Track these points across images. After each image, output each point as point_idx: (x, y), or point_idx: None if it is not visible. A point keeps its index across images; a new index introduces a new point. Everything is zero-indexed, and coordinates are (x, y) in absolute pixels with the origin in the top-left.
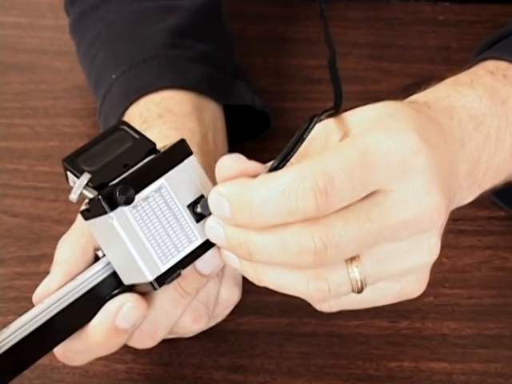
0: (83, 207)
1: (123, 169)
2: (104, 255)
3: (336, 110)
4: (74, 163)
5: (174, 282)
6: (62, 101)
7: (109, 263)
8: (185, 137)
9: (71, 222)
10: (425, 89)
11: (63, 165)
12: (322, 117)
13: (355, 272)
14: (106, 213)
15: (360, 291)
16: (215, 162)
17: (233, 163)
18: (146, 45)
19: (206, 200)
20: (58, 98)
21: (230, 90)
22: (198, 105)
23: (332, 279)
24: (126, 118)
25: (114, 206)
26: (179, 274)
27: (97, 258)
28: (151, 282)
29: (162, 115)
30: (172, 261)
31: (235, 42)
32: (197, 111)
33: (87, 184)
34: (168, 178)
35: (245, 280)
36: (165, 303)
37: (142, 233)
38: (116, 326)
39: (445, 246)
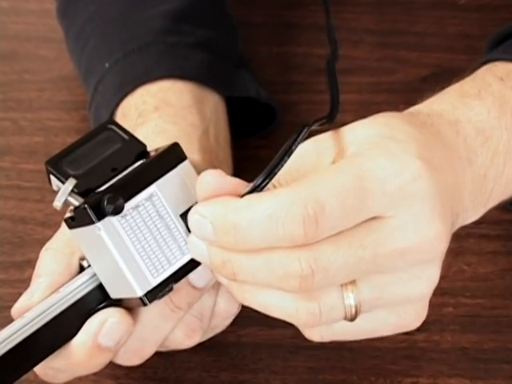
0: (68, 214)
1: (111, 173)
2: (89, 266)
3: (329, 120)
4: (57, 166)
5: (165, 297)
6: (47, 92)
7: (95, 275)
8: (184, 131)
9: (58, 224)
10: (432, 95)
11: (46, 168)
12: (312, 127)
13: (350, 297)
14: (92, 223)
15: (353, 318)
16: (217, 159)
17: (214, 179)
18: (141, 30)
19: None
20: (43, 89)
21: (234, 81)
22: (199, 96)
23: (324, 301)
24: (119, 111)
25: (101, 216)
26: (171, 289)
27: (82, 269)
28: (141, 298)
29: (158, 107)
30: (163, 274)
31: (239, 29)
32: (197, 103)
33: (72, 190)
34: (160, 185)
35: None
36: (153, 318)
37: (131, 244)
38: (98, 343)
39: (465, 251)
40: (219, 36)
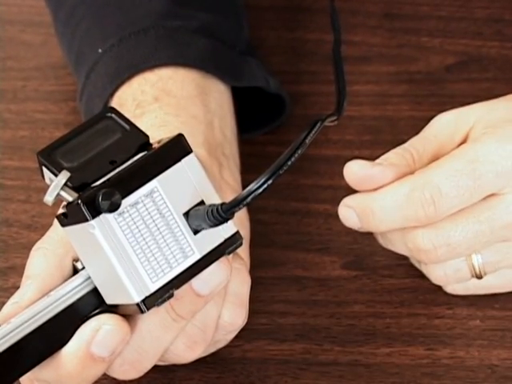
0: (60, 211)
1: (110, 166)
2: (84, 268)
3: (338, 115)
4: (51, 157)
5: (166, 304)
6: (33, 82)
7: (89, 278)
8: (187, 124)
9: (45, 227)
10: None
11: (38, 159)
12: (325, 122)
13: (473, 259)
14: (86, 220)
15: (480, 277)
16: (223, 154)
17: (359, 168)
18: (139, 13)
19: (200, 210)
20: (28, 78)
21: (240, 69)
22: (202, 86)
23: (448, 264)
24: (115, 101)
25: (96, 213)
26: (172, 295)
27: (75, 271)
28: (138, 304)
29: (158, 98)
30: (163, 279)
31: (246, 12)
32: (201, 94)
33: (65, 184)
34: (162, 180)
35: (253, 300)
36: (153, 327)
37: (128, 245)
38: (91, 353)
39: None
40: (224, 20)
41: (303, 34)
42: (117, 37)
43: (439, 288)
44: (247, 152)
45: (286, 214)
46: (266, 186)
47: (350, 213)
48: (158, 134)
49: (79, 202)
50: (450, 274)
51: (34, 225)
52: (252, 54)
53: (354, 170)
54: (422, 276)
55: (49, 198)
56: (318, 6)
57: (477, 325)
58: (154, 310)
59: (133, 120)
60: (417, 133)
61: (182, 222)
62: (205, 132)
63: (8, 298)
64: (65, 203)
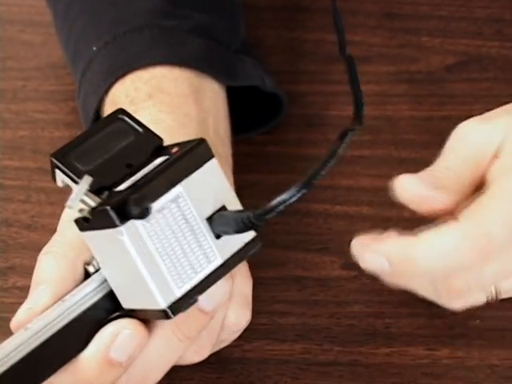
0: (78, 215)
1: (126, 170)
2: (96, 271)
3: (358, 124)
4: (65, 160)
5: (172, 324)
6: (33, 82)
7: (104, 282)
8: (179, 122)
9: (44, 227)
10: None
11: (51, 161)
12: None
13: (493, 288)
14: (114, 226)
15: (495, 300)
16: (217, 153)
17: (414, 188)
18: (134, 11)
19: (228, 216)
20: (28, 78)
21: (235, 69)
22: (197, 85)
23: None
24: (109, 98)
25: (125, 219)
26: (196, 301)
27: (87, 274)
28: (164, 310)
29: (152, 95)
30: (188, 284)
31: (243, 11)
32: (194, 92)
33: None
34: (186, 185)
35: (253, 300)
36: (160, 347)
37: (155, 251)
38: (110, 358)
39: None
40: (219, 20)
41: (302, 34)
42: (111, 34)
43: None
44: (245, 152)
45: (285, 214)
46: (299, 195)
47: (380, 260)
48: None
49: (108, 207)
50: (469, 303)
51: (33, 225)
52: (248, 53)
53: (408, 188)
54: None
55: (71, 203)
56: (317, 5)
57: (476, 325)
58: (161, 328)
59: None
60: (417, 132)
61: (205, 227)
62: (198, 131)
63: (8, 297)
64: (81, 207)
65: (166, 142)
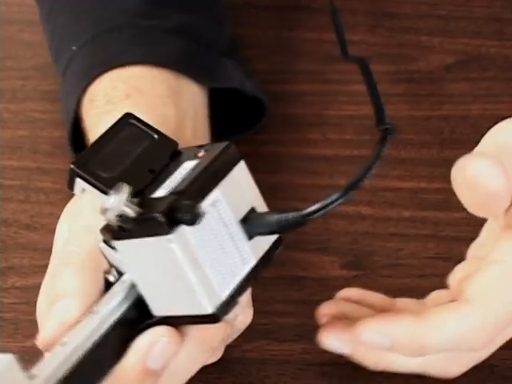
0: (104, 223)
1: (150, 175)
2: (117, 280)
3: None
4: (88, 169)
5: (197, 338)
6: (32, 81)
7: (129, 290)
8: (157, 123)
9: (44, 227)
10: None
11: (72, 170)
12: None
13: None
14: (163, 234)
15: None
16: None
17: (492, 181)
18: (113, 11)
19: (266, 217)
20: (27, 77)
21: (215, 70)
22: (175, 86)
23: None
24: (87, 97)
25: (175, 226)
26: (237, 303)
27: (106, 284)
28: (212, 314)
29: (130, 95)
30: (230, 287)
31: (227, 11)
32: (173, 94)
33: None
34: (222, 188)
35: (252, 300)
36: (185, 356)
37: (202, 256)
38: (147, 366)
39: None
40: (202, 20)
41: (301, 33)
42: (90, 34)
43: (439, 287)
44: (244, 151)
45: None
46: (345, 197)
47: (383, 340)
48: None
49: (159, 215)
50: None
51: (32, 225)
52: (233, 54)
53: (484, 180)
54: (421, 276)
55: (111, 215)
56: (316, 5)
57: None
58: (189, 342)
59: (102, 115)
60: (416, 132)
61: (240, 229)
62: (175, 132)
63: (7, 297)
64: (114, 215)
65: None
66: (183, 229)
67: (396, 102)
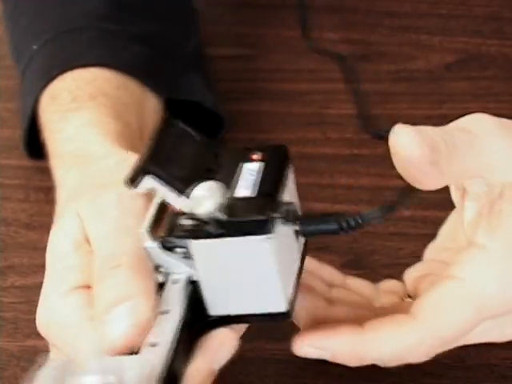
0: (189, 222)
1: (209, 174)
2: (166, 280)
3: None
4: (160, 167)
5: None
6: None
7: (184, 290)
8: (121, 129)
9: (43, 226)
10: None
11: (142, 168)
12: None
13: None
14: (259, 234)
15: None
16: None
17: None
18: (77, 12)
19: (318, 218)
20: None
21: (178, 82)
22: (138, 96)
23: None
24: (47, 94)
25: (273, 227)
26: (295, 300)
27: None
28: (286, 312)
29: (95, 97)
30: (291, 284)
31: (198, 21)
32: (136, 103)
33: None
34: (286, 190)
35: None
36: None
37: (284, 255)
38: (214, 369)
39: None
40: (166, 31)
41: (302, 32)
42: (52, 33)
43: None
44: None
45: None
46: (406, 203)
47: (324, 354)
48: (92, 131)
49: (261, 216)
50: None
51: (32, 224)
52: (198, 66)
53: (408, 156)
54: None
55: (208, 213)
56: (317, 3)
57: None
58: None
59: (67, 113)
60: None
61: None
62: (135, 141)
63: (6, 297)
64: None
65: (108, 145)
66: (279, 229)
67: (396, 100)
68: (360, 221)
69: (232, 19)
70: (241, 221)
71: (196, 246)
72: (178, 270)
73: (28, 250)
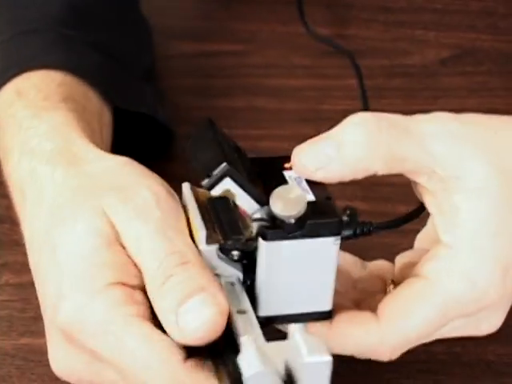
0: (257, 224)
1: (260, 179)
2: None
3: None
4: (237, 171)
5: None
6: None
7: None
8: (89, 135)
9: None
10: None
11: (227, 170)
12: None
13: None
14: (332, 235)
15: None
16: None
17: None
18: (35, 14)
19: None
20: None
21: (131, 93)
22: (100, 107)
23: None
24: (11, 89)
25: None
26: None
27: None
28: (330, 311)
29: (66, 100)
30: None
31: (151, 40)
32: (97, 113)
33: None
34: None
35: None
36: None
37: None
38: None
39: None
40: (124, 43)
41: (297, 28)
42: (8, 34)
43: None
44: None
45: None
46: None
47: None
48: (71, 132)
49: (337, 219)
50: None
51: None
52: (152, 81)
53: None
54: None
55: (294, 213)
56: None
57: None
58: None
59: (38, 110)
60: None
61: None
62: (100, 146)
63: (1, 295)
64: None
65: (91, 147)
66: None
67: (391, 96)
68: (371, 229)
69: (226, 15)
70: (316, 223)
71: (269, 247)
72: (227, 272)
73: (22, 247)
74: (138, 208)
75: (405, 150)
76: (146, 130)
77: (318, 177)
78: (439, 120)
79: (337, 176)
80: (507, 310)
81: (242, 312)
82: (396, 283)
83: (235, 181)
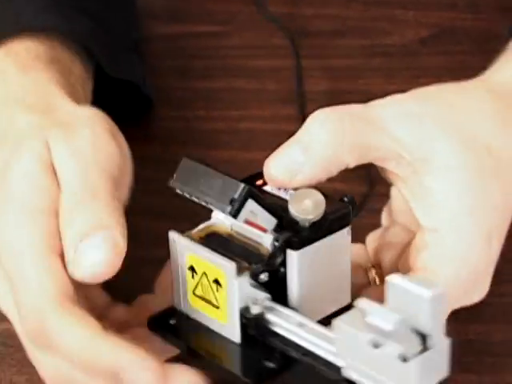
0: (279, 236)
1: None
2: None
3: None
4: (259, 193)
5: None
6: None
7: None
8: (75, 99)
9: None
10: None
11: (249, 191)
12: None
13: None
14: (346, 226)
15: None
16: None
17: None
18: None
19: None
20: None
21: (120, 61)
22: (88, 71)
23: None
24: (2, 52)
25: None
26: None
27: None
28: (350, 304)
29: (53, 62)
30: None
31: (137, 15)
32: (86, 78)
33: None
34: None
35: None
36: None
37: None
38: None
39: None
40: (112, 13)
41: (275, 9)
42: None
43: None
44: (220, 128)
45: None
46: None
47: None
48: (56, 89)
49: (347, 210)
50: None
51: None
52: (140, 55)
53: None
54: None
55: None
56: None
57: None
58: None
59: (30, 69)
60: None
61: None
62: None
63: None
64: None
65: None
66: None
67: (370, 76)
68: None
69: None
70: (334, 218)
71: (300, 255)
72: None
73: None
74: (73, 144)
75: (370, 139)
76: (123, 97)
77: (294, 185)
78: (395, 102)
79: (312, 178)
80: (492, 273)
81: (301, 326)
82: (376, 267)
83: (257, 200)
